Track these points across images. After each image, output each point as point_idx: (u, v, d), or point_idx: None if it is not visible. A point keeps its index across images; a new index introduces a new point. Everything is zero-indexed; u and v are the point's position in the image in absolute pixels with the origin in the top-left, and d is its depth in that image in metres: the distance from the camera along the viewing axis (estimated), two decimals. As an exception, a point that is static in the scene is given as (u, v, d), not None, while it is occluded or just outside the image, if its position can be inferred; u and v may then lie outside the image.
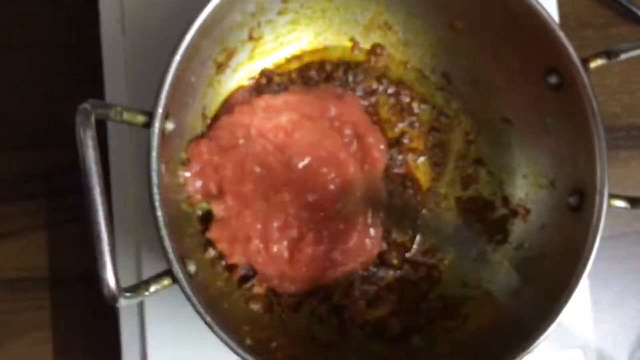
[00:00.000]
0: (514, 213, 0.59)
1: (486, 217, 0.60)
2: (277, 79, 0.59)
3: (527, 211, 0.59)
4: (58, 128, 0.60)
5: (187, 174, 0.54)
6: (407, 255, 0.60)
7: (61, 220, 0.60)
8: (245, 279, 0.56)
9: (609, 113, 0.66)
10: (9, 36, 0.62)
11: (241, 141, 0.55)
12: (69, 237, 0.60)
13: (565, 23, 0.66)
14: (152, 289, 0.45)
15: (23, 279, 0.60)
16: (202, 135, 0.55)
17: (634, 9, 0.67)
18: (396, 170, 0.61)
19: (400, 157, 0.61)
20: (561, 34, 0.50)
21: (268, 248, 0.55)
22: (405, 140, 0.61)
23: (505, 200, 0.60)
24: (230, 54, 0.55)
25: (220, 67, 0.56)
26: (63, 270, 0.60)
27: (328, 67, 0.60)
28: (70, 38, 0.62)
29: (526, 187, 0.59)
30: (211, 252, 0.55)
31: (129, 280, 0.54)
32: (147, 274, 0.56)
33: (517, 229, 0.59)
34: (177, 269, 0.45)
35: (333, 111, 0.58)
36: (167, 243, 0.45)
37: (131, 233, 0.57)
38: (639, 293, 0.65)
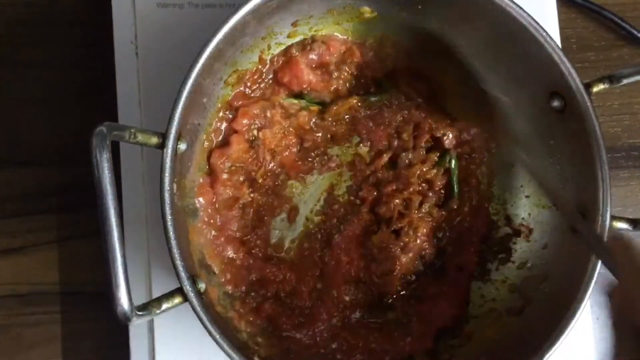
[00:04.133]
0: (517, 232, 0.60)
1: (489, 236, 0.61)
2: None
3: (530, 231, 0.59)
4: (71, 145, 0.61)
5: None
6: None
7: (73, 236, 0.61)
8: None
9: (610, 134, 0.67)
10: (25, 55, 0.63)
11: None
12: (80, 252, 0.61)
13: (567, 46, 0.67)
14: (164, 306, 0.45)
15: (35, 293, 0.60)
16: None
17: (635, 32, 0.67)
18: None
19: None
20: (565, 60, 0.51)
21: None
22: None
23: (509, 220, 0.61)
24: (241, 76, 0.57)
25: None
26: (74, 285, 0.61)
27: None
28: (85, 58, 0.63)
29: (529, 207, 0.60)
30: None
31: (139, 297, 0.56)
32: (156, 290, 0.57)
33: (520, 248, 0.59)
34: (187, 287, 0.46)
35: None
36: (178, 262, 0.46)
37: (142, 248, 0.58)
38: (639, 311, 0.66)
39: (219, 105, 0.56)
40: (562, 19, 0.65)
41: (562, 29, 0.65)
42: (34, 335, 0.60)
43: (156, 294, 0.55)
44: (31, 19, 0.63)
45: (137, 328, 0.57)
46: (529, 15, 0.51)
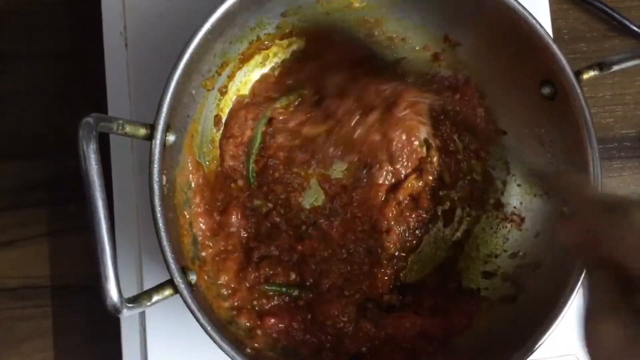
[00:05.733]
0: (509, 221, 0.60)
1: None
2: None
3: (522, 219, 0.59)
4: (61, 138, 0.61)
5: None
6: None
7: (63, 229, 0.61)
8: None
9: (602, 124, 0.67)
10: (14, 47, 0.63)
11: None
12: (71, 245, 0.61)
13: (559, 37, 0.67)
14: (154, 299, 0.45)
15: (25, 287, 0.60)
16: None
17: (627, 22, 0.67)
18: None
19: None
20: (554, 47, 0.51)
21: None
22: None
23: (500, 209, 0.61)
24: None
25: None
26: (65, 278, 0.61)
27: None
28: (74, 50, 0.63)
29: (521, 196, 0.60)
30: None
31: (130, 289, 0.56)
32: (148, 281, 0.57)
33: (512, 237, 0.60)
34: (178, 279, 0.46)
35: None
36: (169, 254, 0.46)
37: (133, 241, 0.58)
38: (631, 301, 0.66)
39: (209, 96, 0.56)
40: (554, 10, 0.65)
41: (554, 20, 0.65)
42: (25, 328, 0.60)
43: (147, 285, 0.55)
44: (20, 9, 0.63)
45: (128, 320, 0.57)
46: (518, 2, 0.51)
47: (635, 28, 0.67)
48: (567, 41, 0.67)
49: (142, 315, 0.57)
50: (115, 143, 0.58)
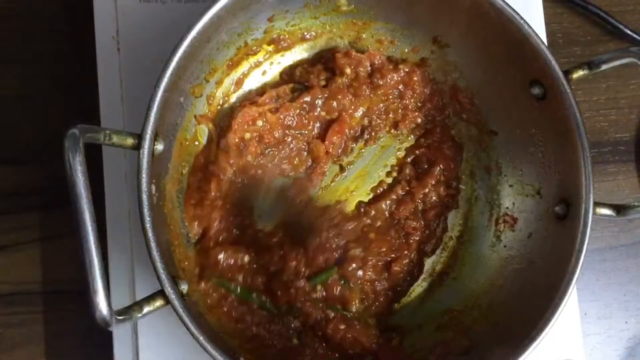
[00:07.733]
0: (502, 222, 0.60)
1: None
2: None
3: (515, 220, 0.59)
4: (53, 143, 0.59)
5: None
6: None
7: (55, 235, 0.61)
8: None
9: (596, 128, 0.67)
10: (6, 51, 0.62)
11: None
12: (62, 251, 0.60)
13: (553, 41, 0.66)
14: (145, 310, 0.45)
15: (17, 292, 0.60)
16: None
17: (621, 26, 0.67)
18: None
19: None
20: (543, 47, 0.51)
21: None
22: None
23: (492, 211, 0.61)
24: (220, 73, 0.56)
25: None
26: (57, 284, 0.60)
27: None
28: (67, 53, 0.62)
29: (513, 196, 0.60)
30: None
31: (122, 296, 0.55)
32: (140, 288, 0.56)
33: (506, 237, 0.59)
34: (169, 290, 0.45)
35: None
36: (159, 264, 0.45)
37: (125, 247, 0.57)
38: (626, 305, 0.66)
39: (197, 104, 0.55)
40: (548, 14, 0.65)
41: (548, 24, 0.65)
42: (17, 335, 0.59)
43: (140, 291, 0.55)
44: (12, 13, 0.63)
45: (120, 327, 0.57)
46: (506, 3, 0.51)
47: (629, 32, 0.67)
48: (562, 45, 0.67)
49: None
50: (107, 148, 0.58)
